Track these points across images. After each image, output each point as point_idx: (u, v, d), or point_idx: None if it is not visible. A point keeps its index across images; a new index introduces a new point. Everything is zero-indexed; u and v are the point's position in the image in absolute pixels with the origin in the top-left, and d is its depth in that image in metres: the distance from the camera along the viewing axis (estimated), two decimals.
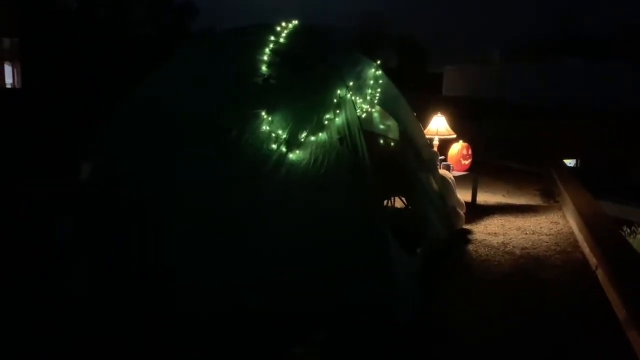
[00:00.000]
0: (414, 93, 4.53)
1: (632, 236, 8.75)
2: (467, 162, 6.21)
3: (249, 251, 3.30)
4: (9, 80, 18.87)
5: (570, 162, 13.11)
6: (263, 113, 3.50)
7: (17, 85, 18.25)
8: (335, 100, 3.50)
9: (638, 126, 14.17)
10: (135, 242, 3.46)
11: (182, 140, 3.59)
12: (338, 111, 3.47)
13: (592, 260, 4.35)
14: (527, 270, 4.34)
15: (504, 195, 7.25)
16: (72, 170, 3.97)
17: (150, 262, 3.39)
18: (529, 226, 5.63)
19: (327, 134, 3.43)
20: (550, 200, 6.89)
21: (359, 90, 3.92)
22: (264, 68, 3.71)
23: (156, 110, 3.80)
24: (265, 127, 3.47)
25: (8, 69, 18.87)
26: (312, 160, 3.37)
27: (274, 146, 3.42)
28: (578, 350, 3.14)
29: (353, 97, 3.62)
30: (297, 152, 3.40)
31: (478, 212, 6.10)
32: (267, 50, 3.81)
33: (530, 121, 15.30)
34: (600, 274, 4.07)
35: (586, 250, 4.66)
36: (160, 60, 4.29)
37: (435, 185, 4.96)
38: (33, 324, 3.22)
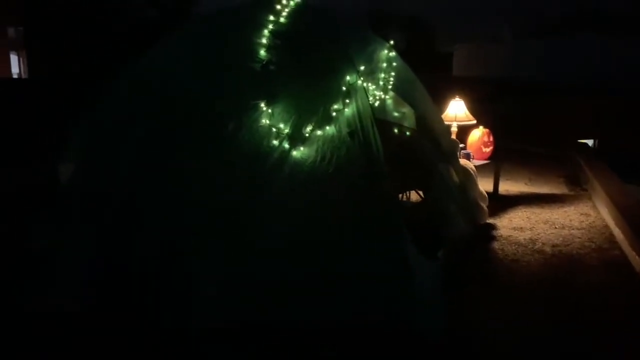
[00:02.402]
0: (424, 75, 4.13)
1: None
2: (489, 149, 5.73)
3: (253, 259, 2.90)
4: (15, 70, 18.58)
5: (587, 142, 12.57)
6: (262, 104, 3.06)
7: (24, 75, 17.88)
8: (344, 88, 3.04)
9: None
10: (127, 248, 3.07)
11: (173, 135, 3.17)
12: (348, 101, 3.02)
13: (635, 259, 3.89)
14: (561, 272, 3.90)
15: (526, 184, 6.77)
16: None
17: (145, 270, 3.00)
18: (558, 219, 5.16)
19: (335, 127, 2.98)
20: (577, 188, 6.40)
21: (371, 75, 3.47)
22: (262, 52, 3.26)
23: (144, 101, 3.38)
24: (264, 121, 3.03)
25: (14, 59, 18.57)
26: (318, 158, 2.93)
27: (275, 142, 2.99)
28: None
29: (365, 84, 3.16)
30: (302, 148, 2.96)
31: (501, 203, 5.64)
32: (265, 32, 3.35)
33: (547, 100, 14.69)
34: None
35: (625, 247, 4.20)
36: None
37: (456, 177, 4.50)
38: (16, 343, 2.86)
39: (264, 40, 3.32)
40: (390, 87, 3.71)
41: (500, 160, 6.04)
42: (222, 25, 3.65)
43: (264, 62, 3.23)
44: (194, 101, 3.15)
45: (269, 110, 3.06)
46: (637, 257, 3.85)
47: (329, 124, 2.99)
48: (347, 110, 3.00)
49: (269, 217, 2.92)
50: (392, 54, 3.77)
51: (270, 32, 3.36)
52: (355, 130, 2.94)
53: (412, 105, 4.01)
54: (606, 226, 4.86)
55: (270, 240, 2.85)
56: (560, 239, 4.58)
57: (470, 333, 3.08)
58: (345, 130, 2.95)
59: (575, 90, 15.53)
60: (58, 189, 3.42)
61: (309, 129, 2.99)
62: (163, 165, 3.06)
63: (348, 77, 3.08)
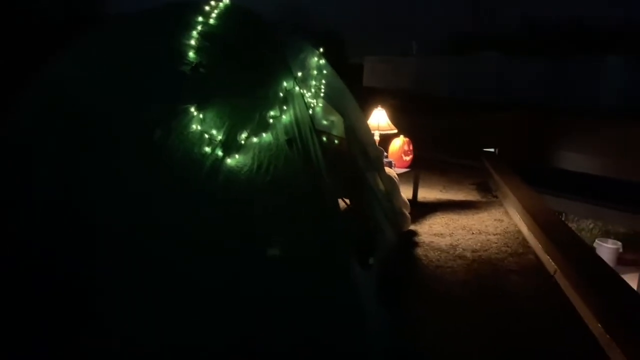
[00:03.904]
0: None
1: None
2: (409, 158, 5.88)
3: (179, 281, 2.68)
4: None
5: (491, 150, 13.39)
6: (192, 109, 2.87)
7: None
8: (281, 95, 2.94)
9: (551, 119, 14.73)
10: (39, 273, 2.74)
11: (94, 143, 2.88)
12: (285, 107, 2.92)
13: (549, 263, 4.13)
14: (483, 277, 4.05)
15: (441, 191, 7.03)
16: None
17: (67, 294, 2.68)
18: (474, 225, 5.39)
19: (272, 134, 2.86)
20: (488, 195, 6.75)
21: (304, 81, 3.39)
22: (191, 54, 3.07)
23: (60, 106, 3.06)
24: (195, 126, 2.84)
25: None
26: (255, 167, 2.79)
27: (208, 149, 2.81)
28: None
29: (301, 90, 3.07)
30: (237, 156, 2.81)
31: (420, 210, 5.80)
32: (194, 33, 3.16)
33: (452, 113, 15.49)
34: (560, 278, 3.85)
35: (539, 251, 4.46)
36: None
37: (382, 186, 4.55)
38: None
39: (193, 42, 3.13)
40: (321, 95, 3.65)
41: (418, 168, 6.22)
42: (146, 26, 3.41)
43: (194, 65, 3.04)
44: (117, 107, 2.89)
45: (200, 116, 2.88)
46: (551, 261, 4.09)
47: (265, 131, 2.86)
48: (285, 117, 2.89)
49: (203, 229, 2.73)
50: (322, 61, 3.73)
51: (199, 33, 3.18)
52: (294, 138, 2.84)
53: (342, 113, 3.98)
54: (519, 231, 5.14)
55: (207, 256, 2.66)
56: (479, 244, 4.78)
57: (411, 342, 3.09)
58: (283, 138, 2.84)
59: (479, 104, 16.52)
60: None
61: (243, 135, 2.84)
62: (84, 176, 2.78)
63: (285, 83, 2.98)
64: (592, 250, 4.22)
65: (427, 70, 21.29)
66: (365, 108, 5.76)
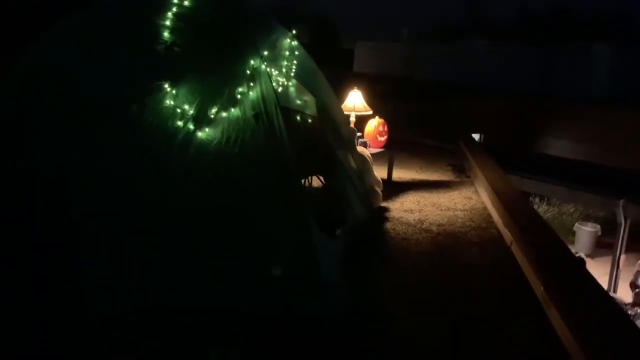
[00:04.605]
0: (326, 68, 4.29)
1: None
2: (383, 138, 6.11)
3: (155, 245, 2.91)
4: None
5: (475, 137, 13.64)
6: (166, 85, 3.08)
7: None
8: (248, 72, 3.15)
9: (536, 107, 14.99)
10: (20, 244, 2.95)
11: (73, 119, 3.08)
12: (252, 84, 3.14)
13: (507, 235, 4.40)
14: (446, 248, 4.31)
15: (417, 172, 7.28)
16: None
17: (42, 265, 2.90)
18: (444, 202, 5.65)
19: (240, 109, 3.08)
20: (462, 175, 7.01)
21: (274, 61, 3.59)
22: (166, 34, 3.26)
23: (40, 85, 3.26)
24: (168, 102, 3.06)
25: None
26: (224, 140, 3.02)
27: (180, 123, 3.03)
28: (503, 327, 3.11)
29: (268, 69, 3.29)
30: (207, 130, 3.03)
31: (394, 188, 6.05)
32: (169, 14, 3.35)
33: (441, 99, 15.70)
34: (515, 250, 4.12)
35: (500, 225, 4.72)
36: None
37: (354, 164, 4.78)
38: None
39: (168, 22, 3.32)
40: (292, 74, 3.86)
41: (395, 149, 6.47)
42: (124, 7, 3.59)
43: (168, 44, 3.24)
44: (97, 85, 3.09)
45: (173, 91, 3.08)
46: (508, 233, 4.36)
47: (233, 106, 3.08)
48: (252, 94, 3.11)
49: (173, 198, 2.96)
50: (295, 43, 3.93)
51: (174, 14, 3.37)
52: (260, 113, 3.06)
53: (314, 93, 4.19)
54: (485, 208, 5.41)
55: (176, 223, 2.90)
56: (446, 219, 5.04)
57: (373, 309, 3.28)
58: (250, 113, 3.07)
59: (467, 90, 16.74)
60: None
61: (214, 110, 3.06)
62: (63, 147, 2.99)
63: (252, 61, 3.19)
64: (547, 224, 4.50)
65: (416, 57, 21.47)
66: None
